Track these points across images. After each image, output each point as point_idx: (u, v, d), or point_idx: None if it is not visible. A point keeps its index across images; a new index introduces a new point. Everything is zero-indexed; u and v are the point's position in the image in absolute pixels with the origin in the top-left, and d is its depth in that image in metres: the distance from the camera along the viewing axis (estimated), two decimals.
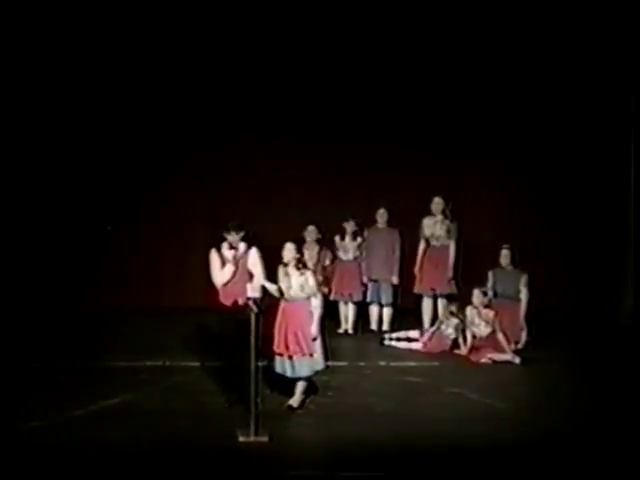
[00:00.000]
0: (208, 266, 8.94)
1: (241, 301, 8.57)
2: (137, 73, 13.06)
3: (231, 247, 8.90)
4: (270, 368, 8.49)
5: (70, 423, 8.02)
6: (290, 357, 8.42)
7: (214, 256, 8.94)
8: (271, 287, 8.58)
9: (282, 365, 8.45)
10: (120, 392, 8.90)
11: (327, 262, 11.98)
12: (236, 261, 8.86)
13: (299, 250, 8.60)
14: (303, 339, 8.39)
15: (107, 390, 8.94)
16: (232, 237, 8.88)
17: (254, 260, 8.87)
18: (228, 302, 8.79)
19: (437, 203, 11.75)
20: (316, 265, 11.71)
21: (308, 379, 8.59)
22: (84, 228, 13.12)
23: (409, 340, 11.39)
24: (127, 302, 12.80)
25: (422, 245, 11.86)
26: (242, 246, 8.93)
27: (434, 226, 11.77)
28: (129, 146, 13.24)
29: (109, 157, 13.18)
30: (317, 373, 8.66)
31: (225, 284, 8.85)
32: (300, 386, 8.54)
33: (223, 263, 8.87)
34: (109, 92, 13.03)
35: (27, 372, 9.64)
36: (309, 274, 8.53)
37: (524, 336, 11.18)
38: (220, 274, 8.87)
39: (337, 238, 12.08)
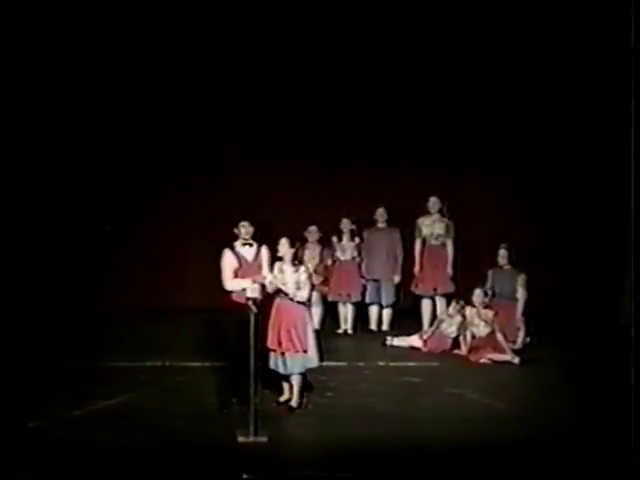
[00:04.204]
0: (204, 265, 8.87)
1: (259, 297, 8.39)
2: (137, 74, 13.06)
3: (244, 244, 8.76)
4: (265, 366, 8.45)
5: (70, 423, 8.03)
6: (282, 354, 8.42)
7: (228, 257, 8.70)
8: (270, 286, 8.53)
9: (275, 361, 8.46)
10: (120, 392, 8.91)
11: (329, 262, 12.00)
12: (256, 260, 8.71)
13: (293, 245, 8.58)
14: (296, 336, 8.39)
15: (107, 390, 8.94)
16: (246, 230, 8.71)
17: (265, 258, 8.79)
18: (241, 300, 8.60)
19: (434, 202, 11.78)
20: (319, 265, 11.74)
21: (302, 376, 8.59)
22: (84, 229, 13.12)
23: (409, 340, 11.41)
24: (127, 302, 12.81)
25: (418, 245, 11.89)
26: (254, 243, 8.82)
27: (432, 225, 11.79)
28: (128, 146, 13.26)
29: (108, 157, 13.19)
30: (310, 370, 8.63)
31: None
32: (295, 384, 8.54)
33: (240, 264, 8.73)
34: (109, 93, 13.03)
35: (27, 372, 9.65)
36: (302, 270, 8.53)
37: (521, 336, 11.20)
38: (232, 281, 8.64)
39: (335, 238, 12.09)
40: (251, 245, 8.77)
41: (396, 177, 13.35)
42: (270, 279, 8.49)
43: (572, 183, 13.28)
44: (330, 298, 12.02)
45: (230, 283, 8.66)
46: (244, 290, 8.25)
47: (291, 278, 8.45)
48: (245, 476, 6.82)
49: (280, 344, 8.41)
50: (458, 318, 11.09)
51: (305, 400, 8.62)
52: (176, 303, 13.01)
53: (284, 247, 8.49)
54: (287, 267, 8.49)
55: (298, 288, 8.44)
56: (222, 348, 8.98)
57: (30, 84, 12.75)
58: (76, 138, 13.10)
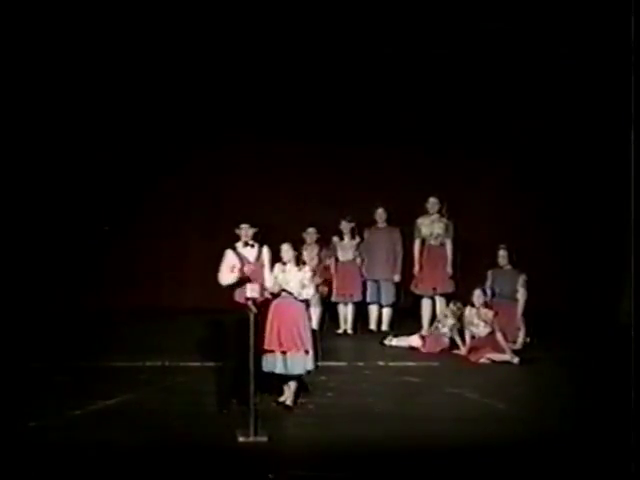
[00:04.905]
0: (204, 265, 8.87)
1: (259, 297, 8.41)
2: (137, 75, 13.05)
3: (246, 244, 8.76)
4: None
5: (70, 423, 8.03)
6: (284, 353, 8.40)
7: (229, 256, 8.72)
8: (273, 287, 8.54)
9: (273, 363, 8.40)
10: (120, 392, 8.91)
11: (328, 262, 12.00)
12: (258, 261, 8.72)
13: (295, 247, 8.60)
14: (298, 335, 8.38)
15: (107, 390, 8.94)
16: (245, 231, 8.73)
17: (266, 258, 8.79)
18: (242, 300, 8.60)
19: (433, 203, 11.78)
20: (317, 266, 11.74)
21: (299, 378, 8.58)
22: (84, 229, 13.13)
23: (408, 340, 11.41)
24: (126, 302, 12.81)
25: (417, 245, 11.88)
26: (256, 244, 8.83)
27: (431, 225, 11.78)
28: (128, 146, 13.26)
29: (108, 158, 13.19)
30: (308, 373, 8.63)
31: (233, 286, 8.69)
32: (292, 385, 8.53)
33: (242, 264, 8.75)
34: (109, 93, 13.03)
35: (27, 372, 9.65)
36: (307, 269, 8.55)
37: (521, 336, 11.20)
38: (227, 276, 8.66)
39: (336, 239, 12.09)
40: (252, 246, 8.77)
41: (396, 177, 13.35)
42: (271, 281, 8.50)
43: (572, 183, 13.28)
44: (334, 298, 12.03)
45: (225, 277, 8.67)
46: (236, 284, 8.31)
47: (295, 277, 8.45)
48: (271, 476, 6.82)
49: (281, 344, 8.39)
50: (450, 321, 11.12)
51: (303, 399, 8.62)
52: (176, 303, 13.02)
53: (289, 253, 8.49)
54: (290, 267, 8.49)
55: (303, 287, 8.44)
56: (222, 348, 8.97)
57: (30, 84, 12.75)
58: (76, 138, 13.10)
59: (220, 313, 8.89)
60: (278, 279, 8.45)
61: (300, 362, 8.43)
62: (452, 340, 11.17)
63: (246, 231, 8.77)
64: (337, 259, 12.09)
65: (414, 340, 11.32)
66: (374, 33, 12.90)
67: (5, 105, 12.58)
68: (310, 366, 8.53)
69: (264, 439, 7.59)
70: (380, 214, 12.10)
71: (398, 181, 13.29)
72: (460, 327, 11.09)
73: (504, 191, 13.36)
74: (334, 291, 12.02)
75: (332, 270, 12.03)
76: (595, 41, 12.74)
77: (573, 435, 7.86)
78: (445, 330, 11.16)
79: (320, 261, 11.87)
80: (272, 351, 8.39)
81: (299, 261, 8.55)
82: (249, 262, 8.68)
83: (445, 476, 7.06)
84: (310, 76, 13.12)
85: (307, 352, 8.45)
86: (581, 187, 13.28)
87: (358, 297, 12.13)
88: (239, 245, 8.76)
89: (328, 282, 11.97)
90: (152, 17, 12.81)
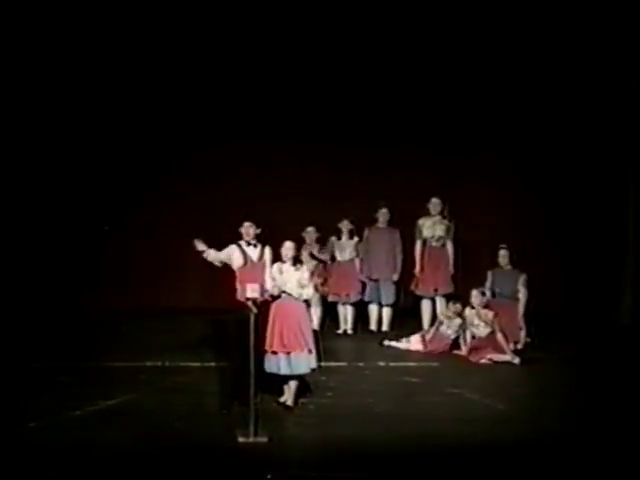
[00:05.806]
0: (208, 264, 8.87)
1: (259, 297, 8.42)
2: (138, 74, 13.05)
3: (248, 244, 8.79)
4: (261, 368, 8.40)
5: (70, 423, 8.03)
6: (288, 353, 8.38)
7: (232, 247, 8.82)
8: (274, 289, 8.55)
9: (276, 364, 8.40)
10: (120, 392, 8.91)
11: (328, 262, 11.99)
12: (260, 260, 8.74)
13: (298, 248, 8.62)
14: (301, 335, 8.38)
15: (107, 390, 8.95)
16: (246, 230, 8.75)
17: (268, 259, 8.81)
18: (243, 299, 8.59)
19: (435, 204, 11.77)
20: (317, 265, 11.73)
21: (301, 378, 8.57)
22: (83, 229, 13.12)
23: (409, 341, 11.39)
24: (126, 302, 12.80)
25: (419, 246, 11.87)
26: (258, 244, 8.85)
27: (433, 227, 11.78)
28: (128, 146, 13.25)
29: (108, 158, 13.18)
30: (313, 371, 8.64)
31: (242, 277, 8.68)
32: (293, 385, 8.52)
33: (245, 261, 8.75)
34: (109, 93, 13.03)
35: (27, 372, 9.65)
36: (304, 268, 8.55)
37: (523, 336, 11.18)
38: (222, 256, 8.79)
39: (334, 238, 12.06)
40: (255, 246, 8.80)
41: (396, 177, 13.34)
42: (270, 282, 8.50)
43: (572, 183, 13.27)
44: (329, 299, 12.01)
45: (222, 256, 8.81)
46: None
47: (293, 277, 8.45)
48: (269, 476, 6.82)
49: (284, 345, 8.37)
50: (457, 320, 11.09)
51: (304, 399, 8.62)
52: (176, 303, 13.00)
53: (291, 251, 8.50)
54: (288, 267, 8.49)
55: (302, 287, 8.44)
56: (222, 348, 8.97)
57: (30, 84, 12.75)
58: (76, 138, 13.10)
59: (220, 313, 8.88)
60: (276, 280, 8.45)
61: (304, 361, 8.43)
62: (454, 340, 11.14)
63: (247, 229, 8.79)
64: (334, 258, 12.05)
65: (414, 344, 11.26)
66: (374, 33, 12.91)
67: (5, 105, 12.59)
68: (314, 364, 8.53)
69: (264, 439, 7.59)
70: (383, 214, 12.03)
71: (398, 181, 13.27)
72: (465, 327, 11.06)
73: (504, 191, 13.36)
74: (330, 290, 11.98)
75: (328, 269, 12.01)
76: (597, 42, 12.75)
77: (573, 435, 7.85)
78: (450, 332, 11.13)
79: (320, 260, 11.85)
80: (275, 352, 8.39)
81: (296, 261, 8.55)
82: (252, 261, 8.72)
83: (445, 476, 7.06)
84: (310, 76, 13.11)
85: (310, 351, 8.45)
86: (581, 187, 13.26)
87: (355, 297, 12.07)
88: (243, 243, 8.81)
89: (326, 282, 11.96)
90: (152, 17, 12.83)
